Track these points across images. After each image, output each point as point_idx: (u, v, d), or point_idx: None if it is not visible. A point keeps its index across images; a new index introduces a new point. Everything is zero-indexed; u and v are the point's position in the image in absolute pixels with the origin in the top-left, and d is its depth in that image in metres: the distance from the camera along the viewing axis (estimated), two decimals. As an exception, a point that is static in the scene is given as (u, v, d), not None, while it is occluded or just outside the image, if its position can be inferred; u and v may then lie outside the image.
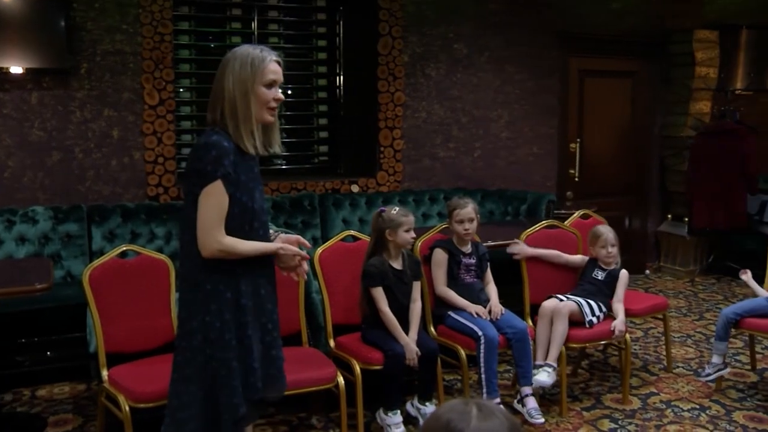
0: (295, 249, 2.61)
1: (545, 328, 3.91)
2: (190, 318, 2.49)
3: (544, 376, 3.77)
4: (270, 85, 2.47)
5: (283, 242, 2.64)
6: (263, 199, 2.60)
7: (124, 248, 3.47)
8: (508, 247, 4.22)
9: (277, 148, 2.59)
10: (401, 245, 3.69)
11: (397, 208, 3.70)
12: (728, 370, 4.19)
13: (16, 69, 4.59)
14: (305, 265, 2.64)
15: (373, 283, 3.61)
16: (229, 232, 2.43)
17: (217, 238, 2.40)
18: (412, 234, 3.70)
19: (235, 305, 2.48)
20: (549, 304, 3.96)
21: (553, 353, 3.84)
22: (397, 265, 3.69)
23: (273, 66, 2.48)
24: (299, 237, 2.73)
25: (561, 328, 3.86)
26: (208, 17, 5.66)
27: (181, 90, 5.62)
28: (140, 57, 4.97)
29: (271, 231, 2.68)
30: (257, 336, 2.55)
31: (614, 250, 4.15)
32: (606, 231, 4.19)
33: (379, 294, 3.60)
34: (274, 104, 2.49)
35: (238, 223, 2.45)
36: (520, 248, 4.17)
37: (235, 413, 2.48)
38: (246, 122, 2.43)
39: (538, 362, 3.87)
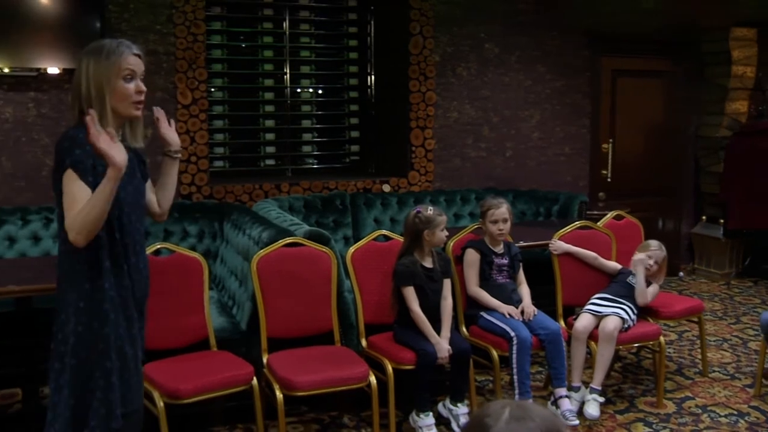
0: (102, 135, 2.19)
1: (581, 349, 3.81)
2: (68, 320, 2.30)
3: (593, 408, 3.70)
4: (128, 78, 2.32)
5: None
6: (141, 194, 2.47)
7: (158, 246, 3.49)
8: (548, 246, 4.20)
9: (141, 143, 2.45)
10: (437, 244, 3.70)
11: (432, 208, 3.70)
12: None
13: (53, 69, 4.66)
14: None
15: (404, 282, 3.61)
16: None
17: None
18: (446, 232, 3.71)
19: (122, 303, 2.34)
20: (584, 324, 3.84)
21: (600, 377, 3.75)
22: (427, 263, 3.68)
23: (131, 59, 2.32)
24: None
25: (608, 353, 3.77)
26: (240, 17, 5.70)
27: (213, 89, 5.66)
28: (173, 57, 5.02)
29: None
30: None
31: (654, 268, 4.08)
32: (657, 246, 4.13)
33: (409, 293, 3.59)
34: (137, 97, 2.34)
35: (107, 217, 2.24)
36: (557, 244, 4.16)
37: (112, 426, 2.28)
38: (102, 118, 2.25)
39: (574, 384, 3.80)
